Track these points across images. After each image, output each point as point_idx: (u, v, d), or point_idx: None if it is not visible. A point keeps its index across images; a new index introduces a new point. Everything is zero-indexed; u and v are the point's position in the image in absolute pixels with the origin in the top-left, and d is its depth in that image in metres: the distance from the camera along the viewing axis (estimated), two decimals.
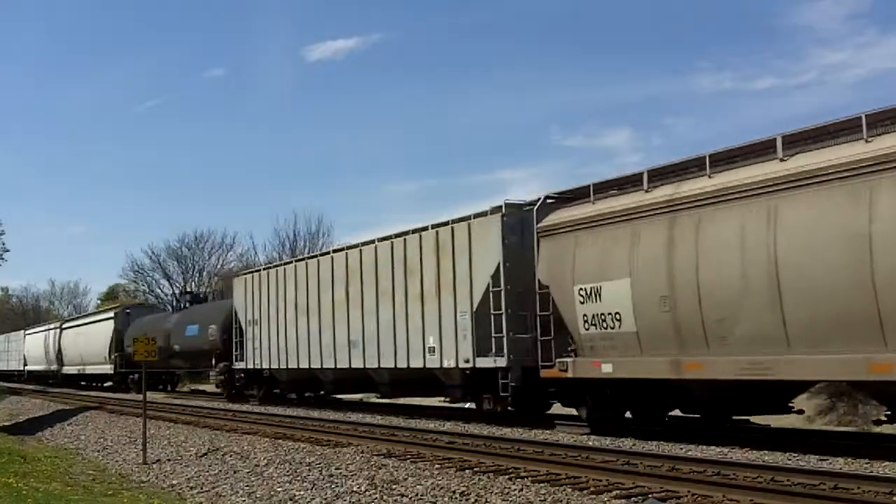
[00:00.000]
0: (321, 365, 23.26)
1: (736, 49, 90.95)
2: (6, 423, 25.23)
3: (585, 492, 9.46)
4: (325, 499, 10.10)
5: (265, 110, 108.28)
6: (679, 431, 14.45)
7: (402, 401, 24.43)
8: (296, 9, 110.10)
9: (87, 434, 20.42)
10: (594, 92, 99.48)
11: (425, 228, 19.64)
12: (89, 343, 45.97)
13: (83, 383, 49.80)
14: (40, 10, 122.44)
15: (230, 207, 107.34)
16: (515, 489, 9.81)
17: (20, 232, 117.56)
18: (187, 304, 39.07)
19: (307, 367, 23.95)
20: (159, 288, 66.73)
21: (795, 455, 11.74)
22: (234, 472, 12.54)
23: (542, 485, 9.99)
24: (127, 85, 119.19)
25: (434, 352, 18.70)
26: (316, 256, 25.28)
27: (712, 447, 12.73)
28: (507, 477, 10.58)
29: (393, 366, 20.14)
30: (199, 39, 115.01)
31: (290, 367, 24.91)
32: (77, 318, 55.50)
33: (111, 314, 44.28)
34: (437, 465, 11.75)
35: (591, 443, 13.95)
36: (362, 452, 13.53)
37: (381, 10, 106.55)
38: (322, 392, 26.18)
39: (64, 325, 53.36)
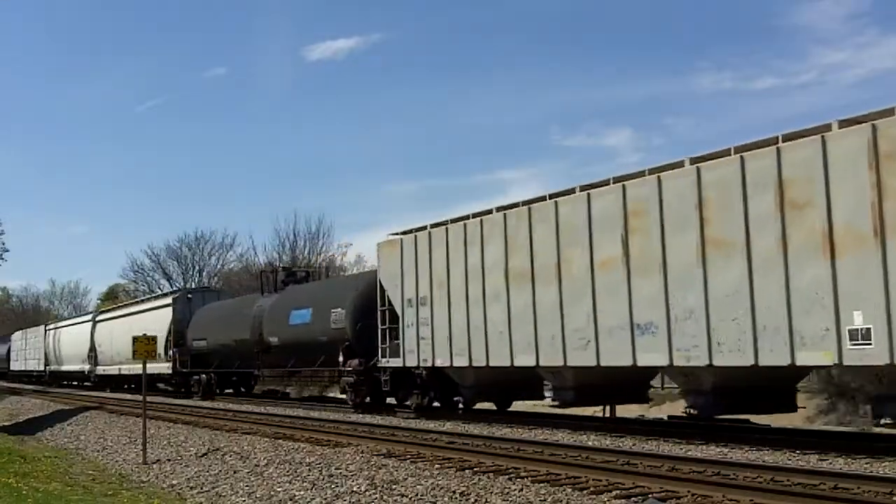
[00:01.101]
0: (563, 360, 15.40)
1: (736, 49, 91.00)
2: (6, 423, 25.24)
3: (585, 492, 9.45)
4: (325, 499, 10.10)
5: (265, 110, 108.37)
6: (679, 431, 14.45)
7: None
8: (296, 8, 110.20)
9: (87, 434, 20.43)
10: (594, 92, 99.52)
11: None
12: (134, 333, 40.43)
13: (129, 386, 40.71)
14: (40, 10, 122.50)
15: (230, 207, 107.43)
16: (515, 489, 9.81)
17: (20, 232, 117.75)
18: (280, 285, 29.96)
19: (530, 364, 16.25)
20: (159, 288, 66.66)
21: (795, 455, 11.74)
22: (234, 472, 12.54)
23: (542, 485, 9.99)
24: (127, 85, 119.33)
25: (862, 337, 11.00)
26: (542, 200, 16.54)
27: (712, 447, 12.73)
28: (507, 477, 10.57)
29: (753, 361, 12.19)
30: (200, 39, 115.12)
31: (489, 363, 17.27)
32: (118, 308, 47.16)
33: (167, 300, 36.78)
34: (437, 465, 11.74)
35: (591, 443, 13.95)
36: (362, 452, 13.53)
37: (382, 10, 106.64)
38: (556, 401, 16.98)
39: (98, 318, 46.12)
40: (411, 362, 19.57)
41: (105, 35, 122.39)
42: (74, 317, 58.77)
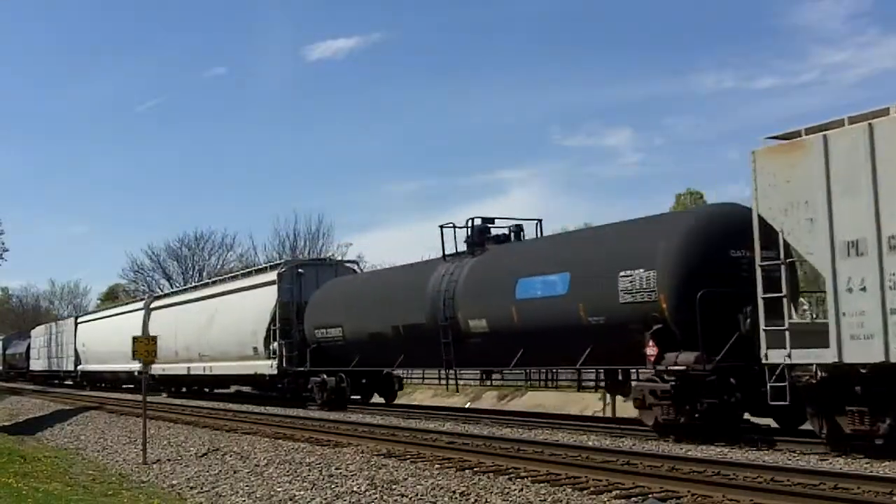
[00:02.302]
0: None
1: (737, 49, 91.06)
2: (6, 423, 25.25)
3: (585, 492, 9.45)
4: (325, 499, 10.10)
5: (265, 110, 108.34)
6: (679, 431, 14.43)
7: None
8: (296, 8, 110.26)
9: (87, 434, 20.43)
10: (595, 92, 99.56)
11: None
12: (221, 325, 30.25)
13: (208, 390, 35.53)
14: (40, 9, 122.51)
15: (230, 207, 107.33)
16: (515, 489, 9.81)
17: (20, 232, 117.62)
18: (473, 244, 19.78)
19: None
20: (159, 288, 66.68)
21: (795, 455, 11.73)
22: (234, 472, 12.54)
23: (542, 485, 9.99)
24: (127, 84, 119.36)
25: None
26: None
27: (712, 447, 12.73)
28: (507, 477, 10.57)
29: None
30: (200, 39, 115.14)
31: None
32: (186, 291, 38.23)
33: (269, 276, 27.70)
34: (437, 465, 11.74)
35: (591, 443, 13.95)
36: (362, 452, 13.52)
37: (382, 10, 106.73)
38: None
39: (155, 304, 38.36)
40: (863, 356, 10.96)
41: (105, 35, 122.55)
42: (117, 305, 50.22)
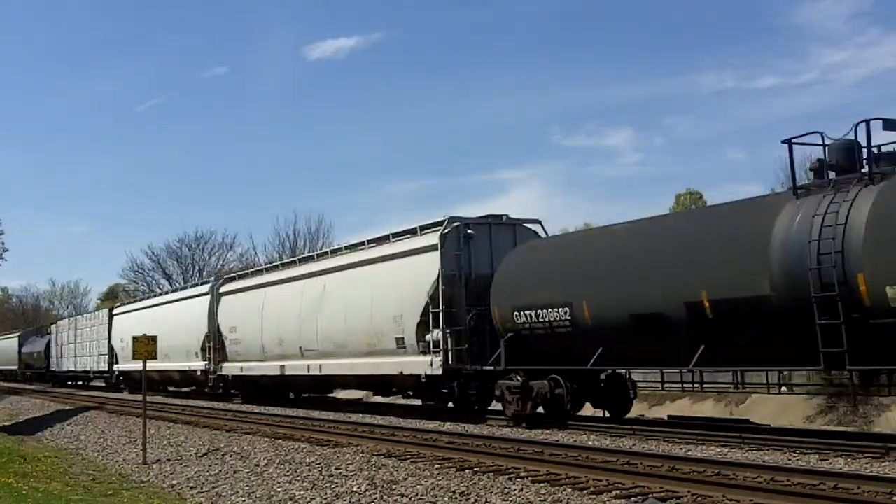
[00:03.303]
0: None
1: (737, 48, 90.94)
2: (6, 423, 25.24)
3: (585, 492, 9.46)
4: (325, 499, 10.10)
5: (265, 109, 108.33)
6: (679, 431, 14.44)
7: None
8: (296, 8, 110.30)
9: (87, 434, 20.43)
10: (595, 91, 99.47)
11: None
12: (338, 310, 22.65)
13: (304, 395, 27.79)
14: (40, 9, 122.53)
15: (230, 207, 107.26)
16: (515, 489, 9.81)
17: (20, 232, 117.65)
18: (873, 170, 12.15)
19: None
20: (159, 288, 66.69)
21: (795, 455, 11.74)
22: (234, 472, 12.54)
23: (542, 485, 9.99)
24: (128, 84, 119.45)
25: None
26: None
27: (712, 447, 12.73)
28: (507, 477, 10.58)
29: None
30: (200, 39, 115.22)
31: None
32: (271, 269, 29.02)
33: (430, 239, 19.68)
34: (437, 465, 11.75)
35: (591, 443, 13.95)
36: (362, 452, 13.53)
37: (382, 10, 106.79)
38: None
39: (226, 288, 30.63)
40: None
41: (105, 35, 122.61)
42: (172, 290, 42.10)
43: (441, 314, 18.86)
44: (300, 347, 24.49)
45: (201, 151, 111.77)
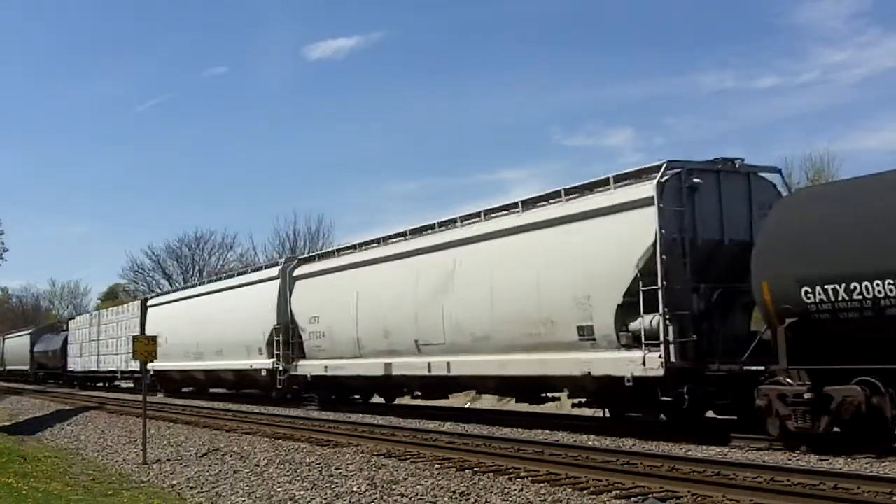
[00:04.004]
0: None
1: (738, 48, 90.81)
2: (6, 423, 25.24)
3: (585, 492, 9.46)
4: (325, 499, 10.10)
5: (266, 109, 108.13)
6: (679, 431, 14.44)
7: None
8: (296, 7, 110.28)
9: (87, 434, 20.43)
10: (596, 91, 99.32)
11: None
12: (480, 292, 17.55)
13: (413, 399, 22.80)
14: (40, 9, 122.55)
15: (230, 207, 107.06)
16: (515, 489, 9.81)
17: (20, 232, 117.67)
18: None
19: None
20: (159, 288, 66.70)
21: (795, 455, 11.73)
22: (234, 472, 12.54)
23: (542, 485, 9.99)
24: (128, 84, 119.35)
25: None
26: None
27: (712, 447, 12.72)
28: (507, 477, 10.58)
29: None
30: (200, 38, 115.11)
31: None
32: (372, 244, 22.52)
33: (641, 190, 14.44)
34: (437, 465, 11.75)
35: (591, 443, 13.95)
36: (362, 452, 13.53)
37: (382, 9, 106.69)
38: None
39: (301, 271, 25.07)
40: None
41: (105, 34, 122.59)
42: (218, 278, 34.68)
43: (660, 293, 13.76)
44: (415, 341, 19.34)
45: (201, 151, 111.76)
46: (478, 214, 18.56)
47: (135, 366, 35.76)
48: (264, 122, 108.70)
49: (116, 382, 43.80)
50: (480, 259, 17.87)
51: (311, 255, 27.37)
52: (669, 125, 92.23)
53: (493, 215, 18.28)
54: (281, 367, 25.06)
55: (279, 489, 10.92)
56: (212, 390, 33.75)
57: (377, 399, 24.68)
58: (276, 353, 25.22)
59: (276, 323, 25.39)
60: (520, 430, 16.45)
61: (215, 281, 33.90)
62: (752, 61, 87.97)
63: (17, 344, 63.50)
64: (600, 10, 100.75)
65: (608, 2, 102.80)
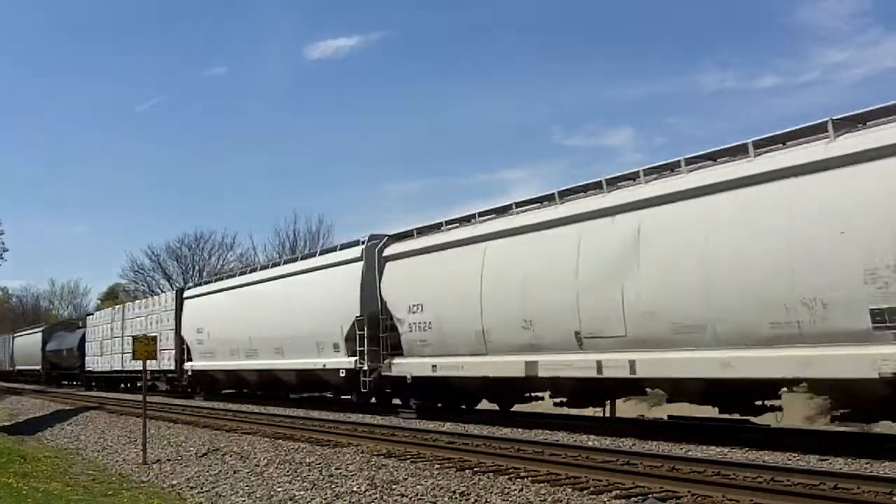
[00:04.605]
0: None
1: (738, 48, 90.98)
2: (6, 423, 25.24)
3: (585, 492, 9.45)
4: (325, 499, 10.10)
5: (266, 109, 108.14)
6: (679, 431, 14.45)
7: None
8: (297, 7, 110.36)
9: (87, 434, 20.42)
10: (596, 91, 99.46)
11: None
12: (651, 264, 13.63)
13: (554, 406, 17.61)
14: (40, 9, 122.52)
15: (230, 207, 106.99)
16: (515, 489, 9.81)
17: (20, 232, 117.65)
18: None
19: None
20: (159, 288, 66.73)
21: (795, 455, 11.74)
22: (234, 472, 12.54)
23: (542, 485, 9.99)
24: (128, 83, 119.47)
25: None
26: None
27: (712, 447, 12.72)
28: (507, 477, 10.58)
29: None
30: (200, 38, 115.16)
31: None
32: (477, 216, 18.34)
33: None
34: (437, 465, 11.75)
35: (591, 443, 13.95)
36: (362, 452, 13.53)
37: (382, 9, 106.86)
38: None
39: (393, 249, 20.77)
40: None
41: (105, 34, 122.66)
42: (289, 259, 28.82)
43: None
44: (576, 333, 14.96)
45: (201, 151, 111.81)
46: (675, 163, 14.04)
47: (167, 365, 33.20)
48: (264, 122, 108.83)
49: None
50: (685, 222, 13.31)
51: (407, 230, 20.79)
52: (670, 125, 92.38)
53: (701, 164, 13.67)
54: (366, 367, 20.77)
55: (279, 489, 10.92)
56: (259, 393, 29.28)
57: (483, 404, 20.41)
58: (358, 349, 20.95)
59: (358, 314, 21.11)
60: (520, 430, 16.45)
61: (273, 266, 28.09)
62: (752, 61, 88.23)
63: (28, 343, 59.24)
64: (601, 9, 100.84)
65: (609, 1, 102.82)
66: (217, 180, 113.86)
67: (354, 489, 10.42)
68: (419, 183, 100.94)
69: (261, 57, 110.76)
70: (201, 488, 11.62)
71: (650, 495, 9.02)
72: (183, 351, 32.33)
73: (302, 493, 10.54)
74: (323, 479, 11.27)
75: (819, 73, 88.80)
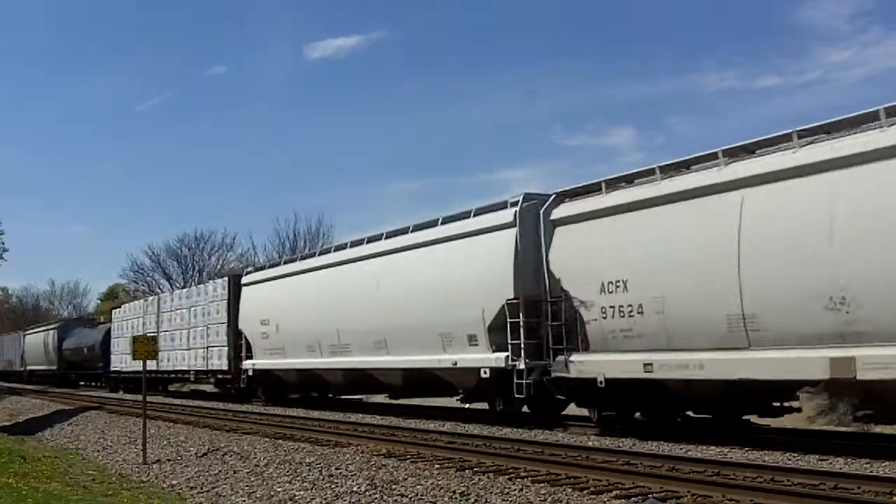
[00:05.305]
0: None
1: (740, 47, 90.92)
2: (6, 423, 25.24)
3: (585, 492, 9.45)
4: (325, 499, 10.10)
5: (266, 109, 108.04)
6: (679, 431, 14.44)
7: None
8: (297, 7, 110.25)
9: (87, 434, 20.42)
10: (597, 91, 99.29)
11: None
12: None
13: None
14: (41, 9, 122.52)
15: (230, 207, 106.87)
16: (515, 489, 9.81)
17: (21, 231, 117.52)
18: None
19: None
20: (160, 288, 66.70)
21: (795, 455, 11.74)
22: (234, 472, 12.54)
23: (542, 485, 9.99)
24: (128, 83, 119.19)
25: None
26: None
27: (712, 447, 12.72)
28: (507, 477, 10.58)
29: None
30: (200, 37, 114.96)
31: None
32: (722, 155, 13.02)
33: None
34: (437, 465, 11.75)
35: (591, 443, 13.95)
36: (362, 452, 13.53)
37: (383, 9, 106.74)
38: None
39: (563, 210, 15.74)
40: None
41: (105, 34, 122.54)
42: (393, 232, 21.13)
43: None
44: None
45: (201, 151, 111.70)
46: None
47: (217, 364, 28.53)
48: (264, 122, 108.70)
49: (188, 384, 35.46)
50: None
51: (585, 184, 15.69)
52: (671, 124, 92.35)
53: None
54: (522, 365, 15.93)
55: (279, 489, 10.92)
56: (343, 397, 25.14)
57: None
58: (510, 342, 16.16)
59: (511, 296, 16.27)
60: (520, 430, 16.44)
61: (369, 242, 21.75)
62: (753, 61, 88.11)
63: (41, 341, 54.21)
64: (601, 9, 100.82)
65: (609, 1, 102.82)
66: (217, 180, 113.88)
67: (354, 489, 10.42)
68: (419, 183, 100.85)
69: (261, 57, 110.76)
70: (201, 488, 11.62)
71: (650, 495, 9.02)
72: (239, 347, 27.35)
73: (302, 493, 10.53)
74: (323, 479, 11.27)
75: (820, 73, 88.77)
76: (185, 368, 31.97)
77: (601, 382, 14.56)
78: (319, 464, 12.58)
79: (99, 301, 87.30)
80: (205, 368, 29.96)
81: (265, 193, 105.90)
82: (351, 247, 22.68)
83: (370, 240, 21.78)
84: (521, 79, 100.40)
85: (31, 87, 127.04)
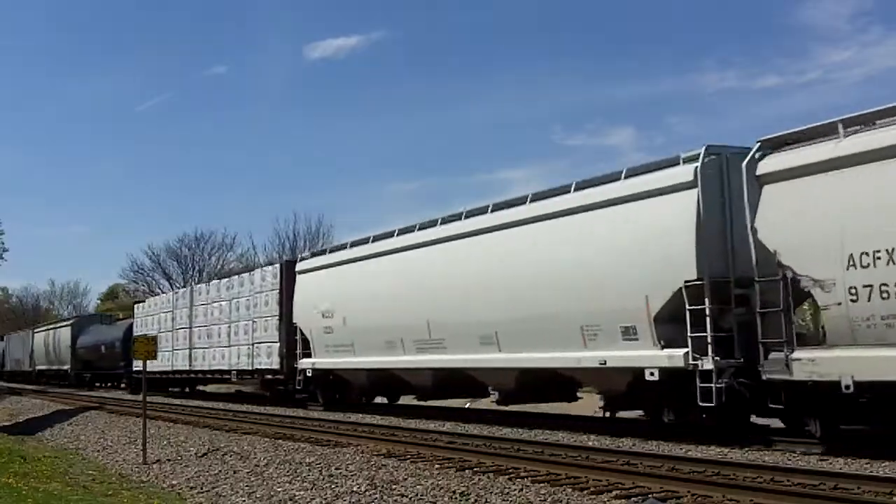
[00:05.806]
0: None
1: (740, 47, 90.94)
2: (6, 423, 25.24)
3: (585, 492, 9.46)
4: (325, 499, 10.10)
5: (266, 109, 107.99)
6: (679, 431, 14.43)
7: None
8: (297, 7, 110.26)
9: (87, 434, 20.42)
10: (597, 91, 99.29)
11: None
12: None
13: None
14: (41, 9, 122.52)
15: (230, 207, 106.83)
16: (515, 489, 9.81)
17: (21, 231, 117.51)
18: None
19: None
20: (159, 288, 66.71)
21: (795, 455, 11.73)
22: (234, 472, 12.54)
23: (542, 485, 9.99)
24: (128, 83, 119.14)
25: None
26: None
27: (712, 447, 12.72)
28: (507, 477, 10.58)
29: None
30: (200, 37, 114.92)
31: None
32: None
33: None
34: (437, 465, 11.75)
35: (591, 443, 13.95)
36: (362, 452, 13.53)
37: (383, 9, 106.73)
38: None
39: (776, 162, 12.01)
40: None
41: (105, 34, 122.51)
42: (510, 203, 17.13)
43: None
44: None
45: (201, 151, 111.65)
46: None
47: (266, 363, 25.31)
48: (264, 122, 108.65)
49: (228, 385, 32.17)
50: None
51: (807, 127, 12.01)
52: (671, 124, 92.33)
53: None
54: (711, 365, 12.63)
55: (279, 489, 10.92)
56: (415, 400, 21.74)
57: None
58: (690, 335, 12.88)
59: (692, 276, 12.97)
60: (520, 430, 16.44)
61: (468, 217, 18.20)
62: (753, 61, 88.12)
63: (52, 339, 50.51)
64: (601, 9, 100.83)
65: (609, 1, 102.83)
66: (217, 180, 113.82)
67: (354, 489, 10.42)
68: (419, 183, 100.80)
69: (261, 57, 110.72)
70: (201, 488, 11.62)
71: (650, 495, 9.02)
72: (293, 344, 23.90)
73: (302, 493, 10.53)
74: (323, 479, 11.27)
75: (820, 73, 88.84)
76: (226, 368, 28.25)
77: (847, 387, 10.90)
78: (319, 464, 12.58)
79: (99, 301, 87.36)
80: (250, 368, 26.44)
81: (265, 193, 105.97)
82: (442, 223, 18.78)
83: (468, 214, 18.15)
84: (520, 79, 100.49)
85: (31, 87, 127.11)
